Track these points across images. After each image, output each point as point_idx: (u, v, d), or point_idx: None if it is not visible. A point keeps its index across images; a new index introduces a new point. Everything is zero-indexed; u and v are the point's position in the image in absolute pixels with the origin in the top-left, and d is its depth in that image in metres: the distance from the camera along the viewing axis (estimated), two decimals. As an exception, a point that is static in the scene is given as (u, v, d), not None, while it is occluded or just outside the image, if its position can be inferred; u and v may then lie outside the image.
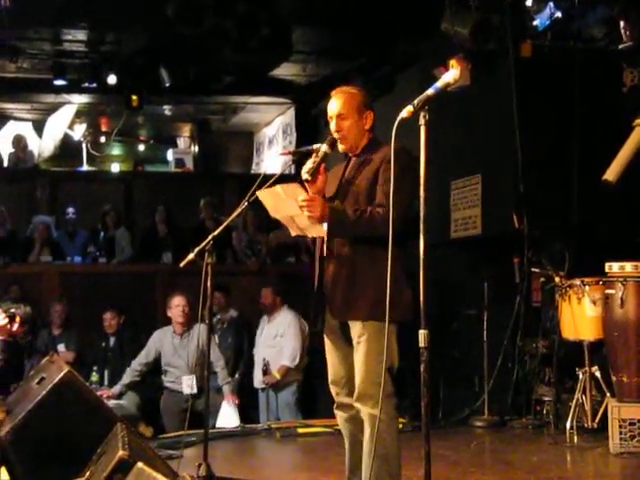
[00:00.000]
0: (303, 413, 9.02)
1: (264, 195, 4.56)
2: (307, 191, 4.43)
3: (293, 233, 4.62)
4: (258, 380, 9.21)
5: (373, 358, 4.33)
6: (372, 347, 4.34)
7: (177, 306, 8.68)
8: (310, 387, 9.11)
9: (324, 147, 4.55)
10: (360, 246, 4.40)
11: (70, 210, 11.70)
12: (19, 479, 4.24)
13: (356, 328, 4.40)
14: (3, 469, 4.46)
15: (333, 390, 4.64)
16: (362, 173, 4.50)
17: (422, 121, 3.48)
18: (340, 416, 4.65)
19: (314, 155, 4.55)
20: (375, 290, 4.32)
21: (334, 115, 4.56)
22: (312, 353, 8.84)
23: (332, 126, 4.58)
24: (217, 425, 8.19)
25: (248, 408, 9.09)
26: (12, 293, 9.68)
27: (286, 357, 9.08)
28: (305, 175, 4.51)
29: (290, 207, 4.39)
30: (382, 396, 4.18)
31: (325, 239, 4.50)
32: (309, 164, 4.53)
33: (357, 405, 4.42)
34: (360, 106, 4.55)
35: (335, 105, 4.56)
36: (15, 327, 5.46)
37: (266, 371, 9.09)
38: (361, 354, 4.38)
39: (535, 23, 8.15)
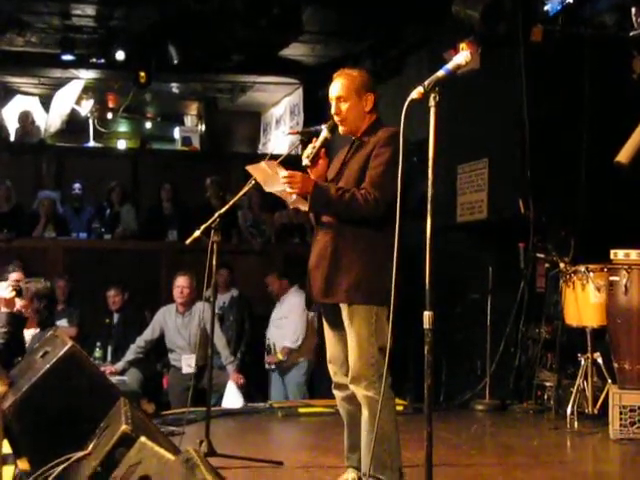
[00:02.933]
0: (313, 393, 9.07)
1: (253, 170, 4.64)
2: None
3: (290, 205, 4.67)
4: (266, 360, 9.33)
5: (364, 340, 4.37)
6: (361, 329, 4.37)
7: (177, 287, 8.69)
8: (322, 367, 9.15)
9: (324, 132, 4.57)
10: (345, 228, 4.43)
11: (76, 186, 11.70)
12: (22, 452, 4.25)
13: (345, 311, 4.43)
14: (6, 442, 4.48)
15: (331, 370, 4.67)
16: (356, 156, 4.53)
17: (432, 102, 3.47)
18: (338, 395, 4.69)
19: (314, 140, 4.58)
20: (356, 273, 4.38)
21: (334, 98, 4.57)
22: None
23: (332, 109, 4.59)
24: (222, 406, 8.23)
25: (254, 388, 9.13)
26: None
27: (288, 338, 9.14)
28: (305, 161, 4.55)
29: (277, 182, 4.45)
30: (375, 377, 4.27)
31: (312, 217, 4.59)
32: (309, 149, 4.57)
33: (351, 387, 4.45)
34: (360, 88, 4.54)
35: (335, 87, 4.57)
36: (19, 303, 5.47)
37: (270, 352, 9.17)
38: (352, 337, 4.41)
39: (546, 8, 8.10)
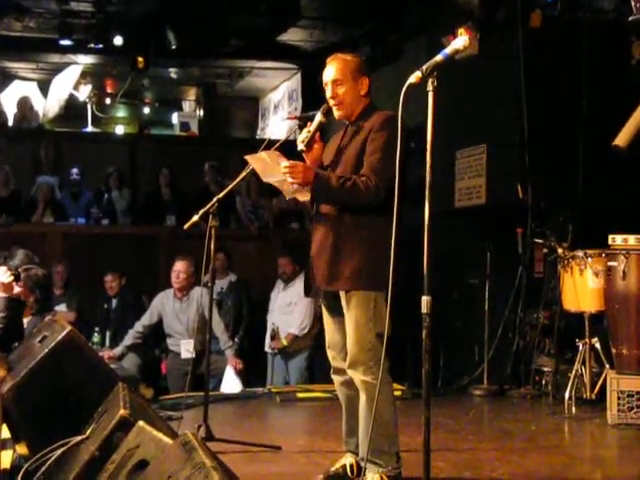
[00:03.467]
0: (313, 378, 9.10)
1: (252, 160, 4.63)
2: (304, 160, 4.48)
3: (287, 196, 4.65)
4: (268, 345, 9.32)
5: (362, 326, 4.38)
6: (359, 315, 4.39)
7: (174, 272, 8.68)
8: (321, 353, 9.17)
9: (318, 116, 4.57)
10: (345, 215, 4.43)
11: (74, 171, 11.66)
12: (20, 437, 4.26)
13: (344, 297, 4.44)
14: (4, 426, 4.49)
15: (330, 355, 4.69)
16: (353, 142, 4.53)
17: (430, 87, 3.46)
18: (336, 380, 4.71)
19: (308, 124, 4.57)
20: (358, 260, 4.39)
21: (329, 81, 4.56)
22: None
23: (327, 92, 4.58)
24: (221, 391, 8.24)
25: (254, 372, 9.15)
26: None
27: (295, 325, 9.16)
28: (300, 145, 4.54)
29: (277, 172, 4.43)
30: (372, 362, 4.30)
31: (313, 206, 4.57)
32: (303, 134, 4.56)
33: (349, 372, 4.46)
34: (355, 72, 4.54)
35: (330, 71, 4.56)
36: (16, 289, 5.46)
37: (274, 336, 9.18)
38: (350, 322, 4.43)
39: (545, -7, 8.11)
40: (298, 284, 9.24)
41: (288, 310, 9.27)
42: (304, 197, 4.49)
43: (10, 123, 13.62)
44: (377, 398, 3.88)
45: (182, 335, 8.60)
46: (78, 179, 11.73)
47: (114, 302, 9.55)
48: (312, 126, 4.54)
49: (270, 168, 4.51)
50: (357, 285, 4.39)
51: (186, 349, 8.41)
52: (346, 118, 4.62)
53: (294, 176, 4.32)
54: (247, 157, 4.68)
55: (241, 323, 9.61)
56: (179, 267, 8.65)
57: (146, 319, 8.76)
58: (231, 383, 8.35)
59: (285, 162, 4.36)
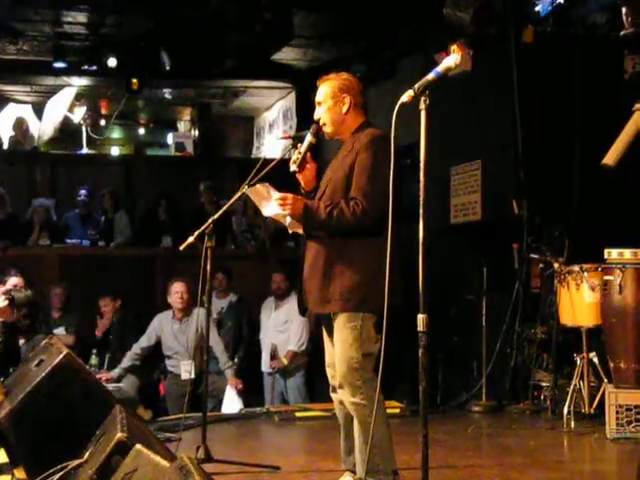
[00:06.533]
0: (311, 396, 9.08)
1: (251, 193, 4.67)
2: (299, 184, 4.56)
3: (289, 230, 4.69)
4: (265, 364, 9.30)
5: (348, 346, 4.39)
6: (346, 335, 4.40)
7: (176, 292, 8.68)
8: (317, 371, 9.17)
9: (308, 137, 4.61)
10: (335, 237, 4.45)
11: (82, 192, 11.52)
12: (18, 461, 4.25)
13: (334, 319, 4.47)
14: (2, 450, 4.48)
15: (329, 373, 4.70)
16: (342, 163, 4.57)
17: (422, 106, 3.48)
18: (335, 398, 4.71)
19: (298, 146, 4.60)
20: (347, 281, 4.40)
21: (316, 103, 4.65)
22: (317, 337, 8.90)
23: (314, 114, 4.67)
24: (222, 411, 8.22)
25: (251, 392, 9.13)
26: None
27: (293, 342, 9.15)
28: (293, 167, 4.58)
29: (274, 205, 4.48)
30: (360, 382, 4.33)
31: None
32: (295, 155, 4.59)
33: (339, 393, 4.48)
34: (335, 91, 4.59)
35: (317, 93, 4.65)
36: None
37: (274, 356, 9.16)
38: (337, 343, 4.46)
39: (537, 9, 8.12)
40: (292, 301, 9.23)
41: (284, 328, 9.25)
42: (298, 229, 4.56)
43: (5, 146, 13.63)
44: (373, 417, 3.88)
45: (182, 356, 8.60)
46: (86, 200, 11.61)
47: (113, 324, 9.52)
48: (302, 147, 4.58)
49: (266, 200, 4.57)
50: (345, 307, 4.40)
51: (186, 370, 8.39)
52: (334, 137, 4.67)
53: (285, 207, 4.39)
54: (246, 191, 4.75)
55: (241, 343, 9.59)
56: (180, 288, 8.64)
57: (144, 341, 8.76)
58: (232, 403, 8.34)
59: (276, 194, 4.40)
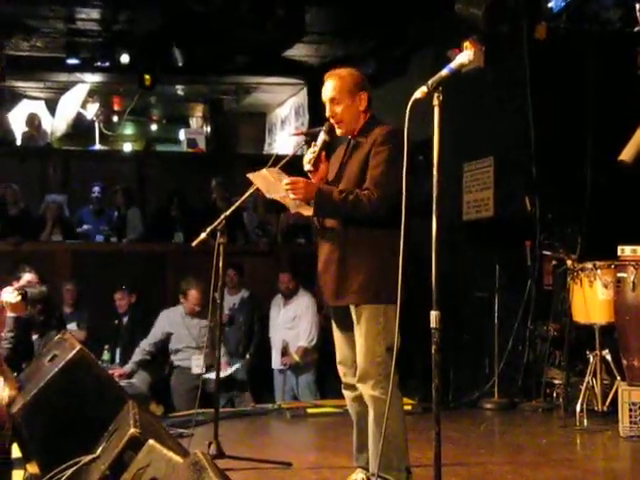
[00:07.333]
0: (322, 393, 9.08)
1: (255, 177, 4.64)
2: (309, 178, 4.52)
3: (292, 210, 4.66)
4: (276, 361, 9.32)
5: (371, 339, 4.38)
6: (369, 329, 4.38)
7: (195, 298, 8.69)
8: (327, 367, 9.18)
9: (322, 135, 4.58)
10: (350, 229, 4.43)
11: (96, 189, 11.53)
12: (31, 456, 4.27)
13: (354, 312, 4.45)
14: (15, 445, 4.49)
15: (340, 370, 4.68)
16: (355, 156, 4.53)
17: (436, 102, 3.47)
18: (347, 396, 4.70)
19: (313, 144, 4.59)
20: (365, 273, 4.39)
21: (327, 100, 4.58)
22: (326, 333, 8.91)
23: (327, 111, 4.59)
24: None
25: (263, 389, 9.14)
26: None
27: (303, 338, 9.18)
28: (307, 166, 4.57)
29: (279, 189, 4.46)
30: (382, 377, 4.28)
31: (316, 220, 4.58)
32: (309, 154, 4.58)
33: (359, 386, 4.46)
34: (352, 88, 4.54)
35: (327, 89, 4.57)
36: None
37: (285, 352, 9.17)
38: (359, 336, 4.43)
39: (550, 5, 8.10)
40: (300, 297, 9.27)
41: (294, 324, 9.28)
42: (307, 211, 4.49)
43: (18, 142, 13.67)
44: (386, 411, 3.87)
45: (193, 350, 8.61)
46: (100, 197, 11.62)
47: (124, 319, 9.54)
48: (317, 146, 4.56)
49: (272, 185, 4.54)
50: (366, 299, 4.38)
51: (196, 364, 8.41)
52: (348, 134, 4.63)
53: (296, 192, 4.35)
54: (249, 175, 4.70)
55: (252, 340, 9.60)
56: (197, 294, 8.66)
57: (151, 338, 8.81)
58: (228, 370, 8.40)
59: (287, 179, 4.38)
